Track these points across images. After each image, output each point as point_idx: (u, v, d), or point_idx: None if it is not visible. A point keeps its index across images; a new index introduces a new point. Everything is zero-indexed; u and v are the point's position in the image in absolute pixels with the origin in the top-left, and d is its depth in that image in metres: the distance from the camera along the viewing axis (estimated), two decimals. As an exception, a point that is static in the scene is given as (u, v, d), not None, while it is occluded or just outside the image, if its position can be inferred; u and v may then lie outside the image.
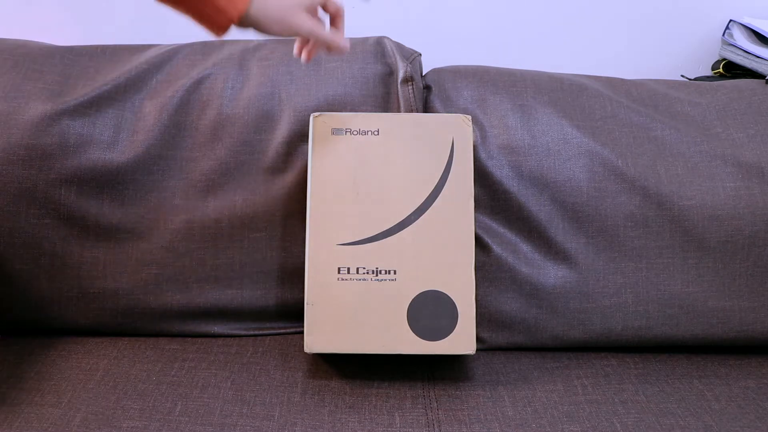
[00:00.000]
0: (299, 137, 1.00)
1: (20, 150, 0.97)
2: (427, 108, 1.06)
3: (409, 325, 0.89)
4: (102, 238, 0.99)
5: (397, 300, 0.89)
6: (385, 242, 0.90)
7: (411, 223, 0.91)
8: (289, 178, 0.99)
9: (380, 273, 0.90)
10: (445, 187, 0.92)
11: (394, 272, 0.90)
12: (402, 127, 0.94)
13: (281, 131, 1.00)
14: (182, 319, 1.01)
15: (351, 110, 1.02)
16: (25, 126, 0.97)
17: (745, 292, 0.98)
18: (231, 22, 0.77)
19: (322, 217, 0.91)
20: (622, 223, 0.98)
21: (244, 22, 0.79)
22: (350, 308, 0.89)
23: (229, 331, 1.02)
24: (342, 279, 0.90)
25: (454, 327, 0.89)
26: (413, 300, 0.89)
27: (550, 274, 0.98)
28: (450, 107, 1.04)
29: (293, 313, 1.01)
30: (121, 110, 1.01)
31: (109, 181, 0.99)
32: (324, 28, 0.82)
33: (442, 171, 0.92)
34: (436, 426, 0.84)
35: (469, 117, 0.94)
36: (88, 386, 0.89)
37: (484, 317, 1.00)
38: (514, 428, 0.83)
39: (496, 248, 0.99)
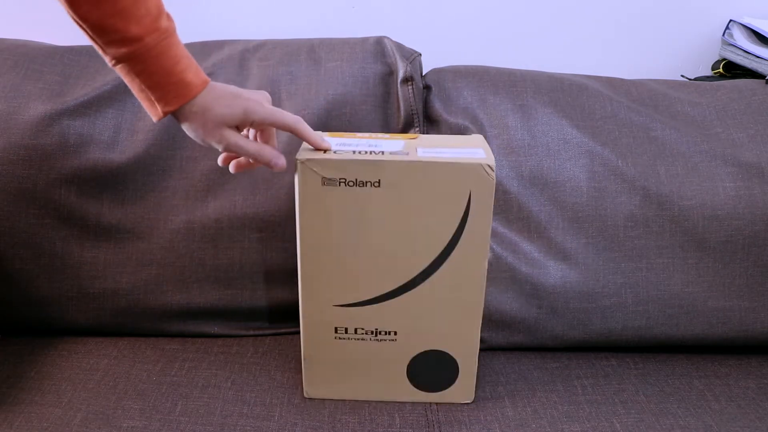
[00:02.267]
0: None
1: (20, 150, 0.97)
2: (426, 108, 1.06)
3: (408, 379, 0.88)
4: (102, 238, 0.99)
5: (397, 358, 0.86)
6: (385, 304, 0.83)
7: (415, 286, 0.82)
8: (289, 178, 0.99)
9: (380, 333, 0.85)
10: (457, 246, 0.80)
11: (395, 333, 0.85)
12: (408, 177, 0.77)
13: (281, 131, 1.00)
14: (182, 319, 1.01)
15: (351, 110, 1.02)
16: (25, 126, 0.97)
17: (745, 292, 0.98)
18: (179, 102, 0.74)
19: (315, 276, 0.82)
20: (622, 223, 0.98)
21: (176, 113, 0.75)
22: (348, 364, 0.87)
23: (229, 331, 1.02)
24: (339, 338, 0.85)
25: (454, 381, 0.88)
26: (414, 358, 0.87)
27: (550, 274, 0.98)
28: (450, 107, 1.04)
29: (293, 314, 1.01)
30: (121, 110, 1.01)
31: (109, 181, 0.99)
32: (245, 143, 0.76)
33: (455, 229, 0.79)
34: (436, 426, 0.84)
35: (492, 165, 0.76)
36: (88, 386, 0.89)
37: (484, 317, 1.00)
38: (514, 428, 0.83)
39: (496, 248, 0.99)
